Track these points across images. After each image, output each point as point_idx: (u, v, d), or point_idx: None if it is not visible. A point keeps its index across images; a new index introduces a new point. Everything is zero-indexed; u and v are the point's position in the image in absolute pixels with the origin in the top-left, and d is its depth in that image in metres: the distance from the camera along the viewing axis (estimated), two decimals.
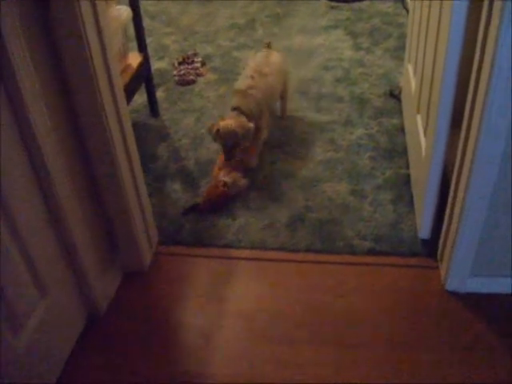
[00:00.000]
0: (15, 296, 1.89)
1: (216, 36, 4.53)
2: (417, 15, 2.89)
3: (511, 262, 2.28)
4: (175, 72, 4.02)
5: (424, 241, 2.62)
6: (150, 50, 3.55)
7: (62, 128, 2.05)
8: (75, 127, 2.14)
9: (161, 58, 4.24)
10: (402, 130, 3.31)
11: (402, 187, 2.92)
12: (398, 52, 4.04)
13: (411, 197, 2.84)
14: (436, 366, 2.15)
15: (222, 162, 3.07)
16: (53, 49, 1.95)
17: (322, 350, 2.24)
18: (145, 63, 3.37)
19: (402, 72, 3.59)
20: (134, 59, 3.30)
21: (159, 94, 3.78)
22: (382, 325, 2.32)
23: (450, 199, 2.33)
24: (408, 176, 2.97)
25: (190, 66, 4.04)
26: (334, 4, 4.83)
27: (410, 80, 3.04)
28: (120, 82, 2.25)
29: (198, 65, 4.07)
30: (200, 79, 3.98)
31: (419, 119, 2.68)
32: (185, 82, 3.92)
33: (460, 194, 2.19)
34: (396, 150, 3.17)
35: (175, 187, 3.05)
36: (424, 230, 2.60)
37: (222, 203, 2.91)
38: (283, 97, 3.46)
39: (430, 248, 2.58)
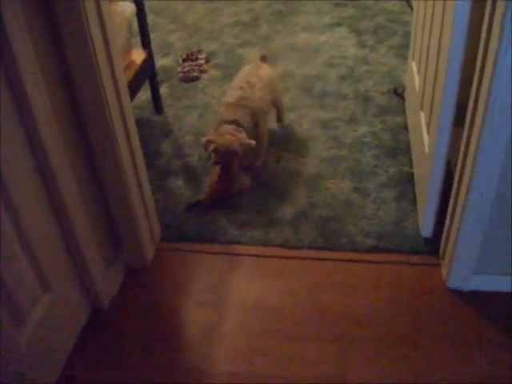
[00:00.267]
0: (18, 291, 1.89)
1: (220, 33, 4.52)
2: (421, 13, 2.88)
3: None
4: (179, 69, 4.02)
5: (426, 238, 2.62)
6: (154, 46, 3.55)
7: (65, 123, 2.05)
8: (79, 123, 2.14)
9: (165, 55, 4.24)
10: (405, 128, 3.31)
11: (405, 185, 2.92)
12: (403, 50, 4.03)
13: (414, 195, 2.84)
14: (438, 363, 2.16)
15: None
16: (56, 44, 1.96)
17: (324, 347, 2.25)
18: (149, 60, 3.37)
19: (406, 70, 3.59)
20: (138, 55, 3.30)
21: (163, 90, 3.79)
22: (384, 322, 2.32)
23: (452, 197, 2.33)
24: (411, 174, 2.97)
25: (193, 63, 4.04)
26: (338, 1, 4.83)
27: (413, 78, 3.04)
28: (124, 78, 2.25)
29: (202, 61, 4.07)
30: (204, 76, 3.98)
31: (422, 117, 2.68)
32: (189, 79, 3.92)
33: (462, 192, 2.19)
34: (399, 148, 3.17)
35: (178, 183, 3.06)
36: (426, 228, 2.60)
37: (223, 199, 2.91)
38: (279, 109, 3.37)
39: (433, 246, 2.58)
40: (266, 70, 3.23)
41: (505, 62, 1.81)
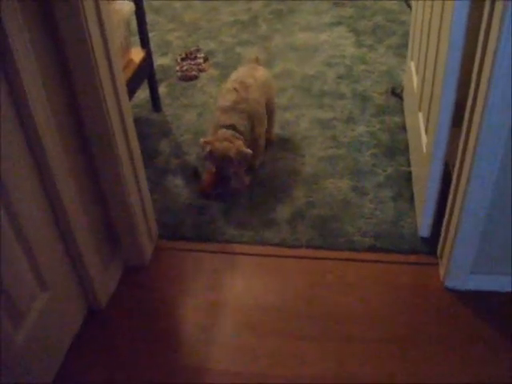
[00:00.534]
0: (16, 289, 1.90)
1: (219, 32, 4.53)
2: (419, 13, 2.89)
3: (511, 259, 2.28)
4: (178, 68, 4.02)
5: (424, 238, 2.63)
6: (152, 45, 3.55)
7: (63, 122, 2.05)
8: (77, 122, 2.14)
9: (164, 54, 4.24)
10: (403, 127, 3.31)
11: (403, 185, 2.92)
12: (401, 50, 4.04)
13: (412, 194, 2.85)
14: (435, 363, 2.16)
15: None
16: (55, 43, 1.96)
17: (322, 345, 2.25)
18: (147, 58, 3.37)
19: (405, 70, 3.59)
20: (137, 54, 3.30)
21: (161, 89, 3.79)
22: (381, 321, 2.33)
23: (450, 197, 2.34)
24: (409, 173, 2.97)
25: (192, 62, 4.04)
26: (337, 1, 4.83)
27: (412, 77, 3.05)
28: (122, 77, 2.25)
29: (201, 60, 4.07)
30: (202, 75, 3.98)
31: (421, 117, 2.69)
32: (187, 78, 3.92)
33: (460, 192, 2.20)
34: (397, 148, 3.17)
35: (177, 182, 3.06)
36: (424, 228, 2.60)
37: (220, 191, 2.94)
38: (269, 116, 3.22)
39: (430, 245, 2.59)
40: (261, 72, 3.20)
41: (503, 62, 1.82)
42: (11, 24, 1.69)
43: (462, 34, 2.07)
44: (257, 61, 3.32)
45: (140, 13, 3.26)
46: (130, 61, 3.22)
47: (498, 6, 1.78)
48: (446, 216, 2.39)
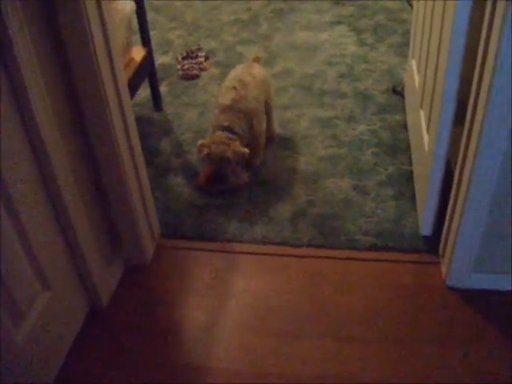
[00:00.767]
0: (17, 288, 1.89)
1: (220, 31, 4.52)
2: (421, 12, 2.89)
3: None
4: (179, 66, 4.02)
5: (426, 237, 2.62)
6: (153, 44, 3.55)
7: (64, 121, 2.05)
8: (78, 120, 2.14)
9: (165, 53, 4.24)
10: (404, 126, 3.31)
11: (405, 183, 2.92)
12: (402, 48, 4.03)
13: (413, 193, 2.84)
14: (437, 361, 2.16)
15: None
16: (56, 41, 1.95)
17: (323, 344, 2.25)
18: (148, 57, 3.37)
19: (406, 68, 3.59)
20: (138, 53, 3.30)
21: (163, 88, 3.79)
22: (383, 320, 2.32)
23: (452, 195, 2.33)
24: (410, 172, 2.97)
25: (193, 61, 4.04)
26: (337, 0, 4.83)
27: (413, 76, 3.04)
28: (123, 76, 2.25)
29: (202, 59, 4.07)
30: (204, 74, 3.98)
31: (422, 115, 2.68)
32: (188, 77, 3.92)
33: (462, 191, 2.19)
34: (399, 146, 3.17)
35: (178, 181, 3.06)
36: (426, 226, 2.60)
37: (219, 187, 2.95)
38: (268, 113, 3.25)
39: (432, 244, 2.58)
40: (258, 70, 3.21)
41: (505, 60, 1.81)
42: (13, 24, 1.68)
43: (463, 32, 2.06)
44: (258, 60, 3.33)
45: (141, 12, 3.26)
46: (131, 60, 3.22)
47: (500, 6, 1.78)
48: (448, 215, 2.38)
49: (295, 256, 2.62)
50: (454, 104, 2.22)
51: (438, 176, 2.41)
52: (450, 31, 2.09)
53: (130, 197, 2.37)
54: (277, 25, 4.54)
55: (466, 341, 2.23)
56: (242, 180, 2.97)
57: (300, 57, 4.09)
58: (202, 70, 4.00)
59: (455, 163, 2.29)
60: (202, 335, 2.31)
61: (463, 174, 2.18)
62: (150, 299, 2.48)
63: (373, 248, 2.62)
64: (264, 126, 3.14)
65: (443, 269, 2.46)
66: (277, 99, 3.53)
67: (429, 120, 2.51)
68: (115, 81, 2.15)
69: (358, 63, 3.96)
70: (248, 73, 3.13)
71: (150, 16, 4.20)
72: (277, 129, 3.37)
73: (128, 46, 3.18)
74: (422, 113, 2.70)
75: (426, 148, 2.53)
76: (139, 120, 2.34)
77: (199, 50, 4.20)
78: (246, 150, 2.90)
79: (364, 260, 2.57)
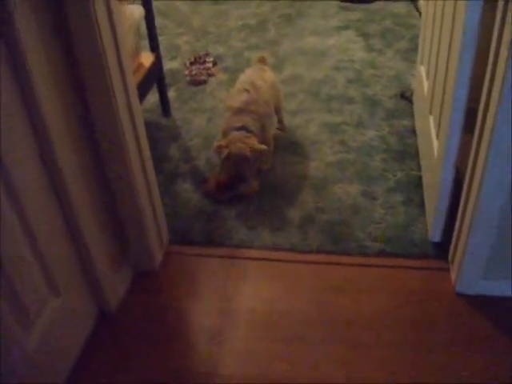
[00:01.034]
0: (27, 294, 1.89)
1: (228, 36, 4.53)
2: (430, 16, 2.88)
3: None
4: (187, 72, 4.03)
5: (435, 243, 2.61)
6: (161, 49, 3.55)
7: (74, 126, 2.05)
8: (88, 125, 2.14)
9: (173, 58, 4.25)
10: (413, 131, 3.30)
11: (413, 189, 2.92)
12: (410, 54, 4.03)
13: (422, 199, 2.84)
14: (446, 368, 2.15)
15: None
16: (66, 45, 1.96)
17: (332, 350, 2.24)
18: (157, 63, 3.38)
19: (414, 74, 3.59)
20: (146, 58, 3.30)
21: (171, 93, 3.79)
22: (392, 325, 2.32)
23: (461, 202, 2.33)
24: (419, 178, 2.96)
25: (201, 66, 4.05)
26: (345, 5, 4.83)
27: (422, 82, 3.04)
28: (133, 81, 2.25)
29: (210, 65, 4.08)
30: (211, 79, 3.99)
31: (432, 121, 2.68)
32: (196, 82, 3.93)
33: (472, 197, 2.19)
34: (407, 152, 3.16)
35: (186, 187, 3.05)
36: (435, 233, 2.59)
37: (229, 194, 2.95)
38: (278, 113, 3.35)
39: (441, 250, 2.58)
40: (268, 74, 3.24)
41: None
42: (24, 28, 1.69)
43: (474, 35, 2.06)
44: (263, 61, 3.34)
45: (149, 17, 3.26)
46: (140, 65, 3.23)
47: None
48: (458, 221, 2.38)
49: (304, 262, 2.61)
50: (464, 110, 2.22)
51: (448, 182, 2.41)
52: (461, 35, 2.08)
53: (139, 200, 2.37)
54: (285, 30, 4.54)
55: (476, 347, 2.22)
56: (252, 188, 2.97)
57: (308, 62, 4.09)
58: (209, 75, 4.01)
59: (465, 169, 2.29)
60: (210, 341, 2.31)
61: (473, 181, 2.18)
62: (159, 305, 2.48)
63: (382, 254, 2.61)
64: (272, 131, 3.14)
65: (452, 275, 2.45)
66: (285, 104, 3.53)
67: (438, 126, 2.51)
68: (125, 85, 2.15)
69: (365, 68, 3.96)
70: (260, 77, 3.15)
71: (158, 21, 4.20)
72: (285, 134, 3.39)
73: (137, 52, 3.19)
74: (431, 119, 2.69)
75: (436, 154, 2.52)
76: (147, 126, 2.34)
77: (207, 55, 4.21)
78: (264, 146, 2.91)
79: (373, 266, 2.57)
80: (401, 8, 4.72)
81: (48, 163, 1.93)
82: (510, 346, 2.21)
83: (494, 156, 2.01)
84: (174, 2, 5.07)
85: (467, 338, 2.26)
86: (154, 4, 3.31)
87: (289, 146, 3.31)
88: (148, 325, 2.40)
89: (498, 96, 1.89)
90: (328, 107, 3.60)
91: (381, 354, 2.22)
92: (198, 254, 2.69)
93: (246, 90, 3.03)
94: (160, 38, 3.47)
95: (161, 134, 3.46)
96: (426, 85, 2.95)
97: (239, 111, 2.99)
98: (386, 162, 3.12)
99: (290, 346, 2.27)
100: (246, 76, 3.18)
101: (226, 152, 2.88)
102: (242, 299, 2.47)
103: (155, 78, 3.41)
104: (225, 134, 2.98)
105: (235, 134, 2.92)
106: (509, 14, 1.80)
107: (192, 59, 4.15)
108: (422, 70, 3.10)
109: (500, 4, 1.87)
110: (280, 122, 3.39)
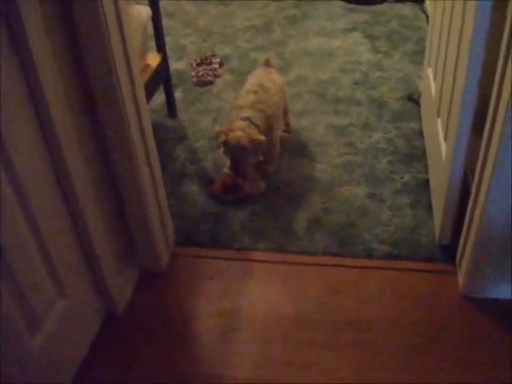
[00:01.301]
0: (33, 296, 1.89)
1: (234, 37, 4.52)
2: (438, 18, 2.87)
3: None
4: (193, 73, 4.02)
5: (442, 246, 2.60)
6: (168, 50, 3.54)
7: (81, 126, 2.05)
8: (95, 125, 2.14)
9: (179, 59, 4.24)
10: (420, 134, 3.29)
11: (421, 191, 2.91)
12: (417, 56, 4.02)
13: (429, 201, 2.83)
14: (454, 372, 2.14)
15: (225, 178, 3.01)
16: (74, 46, 1.96)
17: (339, 354, 2.23)
18: (164, 63, 3.37)
19: (421, 76, 3.58)
20: (153, 59, 3.30)
21: (177, 94, 3.78)
22: (399, 329, 2.31)
23: (469, 205, 2.32)
24: (426, 180, 2.95)
25: (208, 67, 4.04)
26: (352, 6, 4.82)
27: (429, 84, 3.03)
28: (140, 81, 2.24)
29: (216, 66, 4.07)
30: (218, 80, 3.98)
31: (439, 123, 2.66)
32: (203, 83, 3.92)
33: (480, 200, 2.18)
34: (415, 154, 3.15)
35: (192, 188, 3.05)
36: (443, 236, 2.58)
37: (235, 194, 2.94)
38: (285, 114, 3.34)
39: (449, 253, 2.57)
40: (276, 76, 3.24)
41: None
42: (32, 29, 1.69)
43: (483, 38, 2.04)
44: (268, 63, 3.32)
45: (156, 17, 3.25)
46: (147, 65, 3.22)
47: None
48: (466, 224, 2.36)
49: (311, 264, 2.61)
50: (472, 112, 2.20)
51: (456, 185, 2.40)
52: (470, 37, 2.06)
53: (147, 203, 2.36)
54: (290, 31, 4.54)
55: (484, 351, 2.21)
56: (258, 189, 2.96)
57: (314, 63, 4.08)
58: (216, 76, 4.00)
59: (473, 172, 2.28)
60: (216, 343, 2.31)
61: (481, 184, 2.17)
62: (165, 306, 2.48)
63: (389, 257, 2.60)
64: (279, 134, 3.14)
65: (460, 278, 2.44)
66: (291, 106, 3.52)
67: (446, 128, 2.49)
68: (133, 86, 2.14)
69: (372, 70, 3.95)
70: (269, 79, 3.14)
71: (164, 22, 4.19)
72: (291, 136, 3.38)
73: (144, 52, 3.18)
74: (439, 121, 2.68)
75: (444, 156, 2.51)
76: (154, 126, 2.34)
77: (213, 56, 4.20)
78: (263, 138, 2.87)
79: (380, 269, 2.56)
80: (407, 10, 4.71)
81: (57, 164, 1.93)
82: None
83: (504, 159, 1.99)
84: (180, 2, 5.06)
85: (474, 341, 2.25)
86: (161, 4, 3.31)
87: (295, 147, 3.30)
88: (154, 326, 2.39)
89: (508, 98, 1.88)
90: (335, 109, 3.59)
91: (387, 358, 2.21)
92: (205, 255, 2.68)
93: (255, 92, 3.02)
94: (166, 39, 3.46)
95: (167, 135, 3.45)
96: (433, 87, 2.94)
97: (247, 107, 2.98)
98: (393, 164, 3.11)
99: (297, 348, 2.26)
100: (255, 78, 3.18)
101: (223, 137, 2.87)
102: (248, 301, 2.46)
103: (162, 78, 3.40)
104: (231, 123, 2.98)
105: (238, 123, 2.91)
106: None
107: (198, 60, 4.14)
108: (430, 72, 3.09)
109: (510, 4, 1.86)
110: (287, 124, 3.38)
